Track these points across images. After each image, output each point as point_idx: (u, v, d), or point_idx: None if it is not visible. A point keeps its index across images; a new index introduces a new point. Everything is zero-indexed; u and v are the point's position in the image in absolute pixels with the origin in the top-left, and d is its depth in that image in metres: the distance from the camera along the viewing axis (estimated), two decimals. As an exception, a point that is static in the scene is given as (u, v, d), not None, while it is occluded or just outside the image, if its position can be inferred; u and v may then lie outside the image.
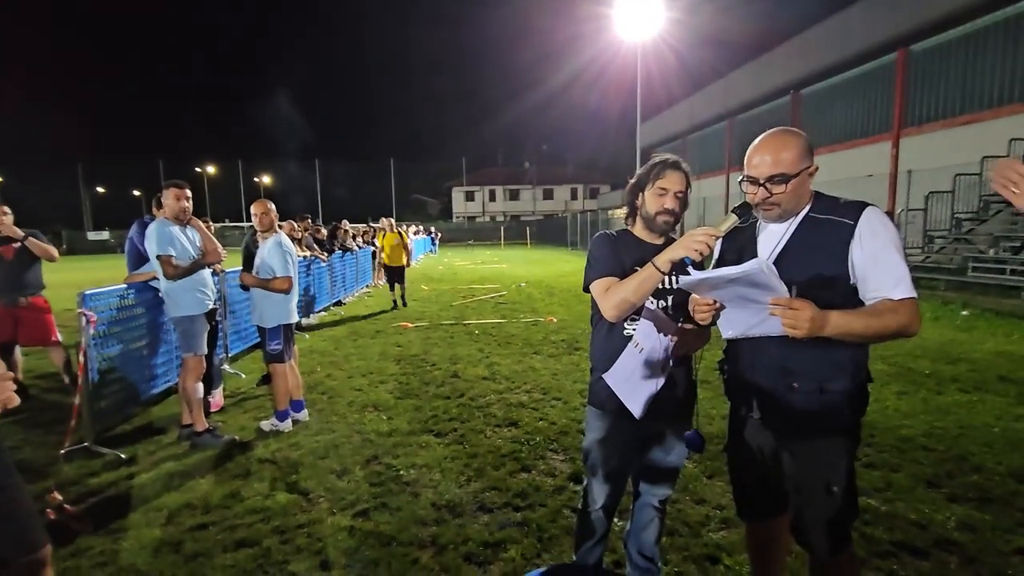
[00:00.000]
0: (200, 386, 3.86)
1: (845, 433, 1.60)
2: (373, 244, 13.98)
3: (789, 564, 2.21)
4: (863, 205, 1.55)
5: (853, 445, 1.63)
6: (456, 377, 5.41)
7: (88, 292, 3.76)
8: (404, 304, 10.04)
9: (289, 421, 4.06)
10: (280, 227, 4.30)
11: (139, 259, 4.44)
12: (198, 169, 52.82)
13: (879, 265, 1.48)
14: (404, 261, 10.30)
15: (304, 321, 8.40)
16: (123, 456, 3.58)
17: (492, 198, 58.60)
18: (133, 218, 4.87)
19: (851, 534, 1.68)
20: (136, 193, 52.86)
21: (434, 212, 61.60)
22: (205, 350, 3.91)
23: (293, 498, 3.03)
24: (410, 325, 8.34)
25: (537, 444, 3.69)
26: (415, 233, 25.81)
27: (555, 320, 8.43)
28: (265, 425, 4.05)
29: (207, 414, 4.17)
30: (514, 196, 58.81)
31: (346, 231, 11.98)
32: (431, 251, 31.10)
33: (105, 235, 43.89)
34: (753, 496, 1.85)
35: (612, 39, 22.67)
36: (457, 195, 58.48)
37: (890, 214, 12.26)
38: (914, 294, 1.48)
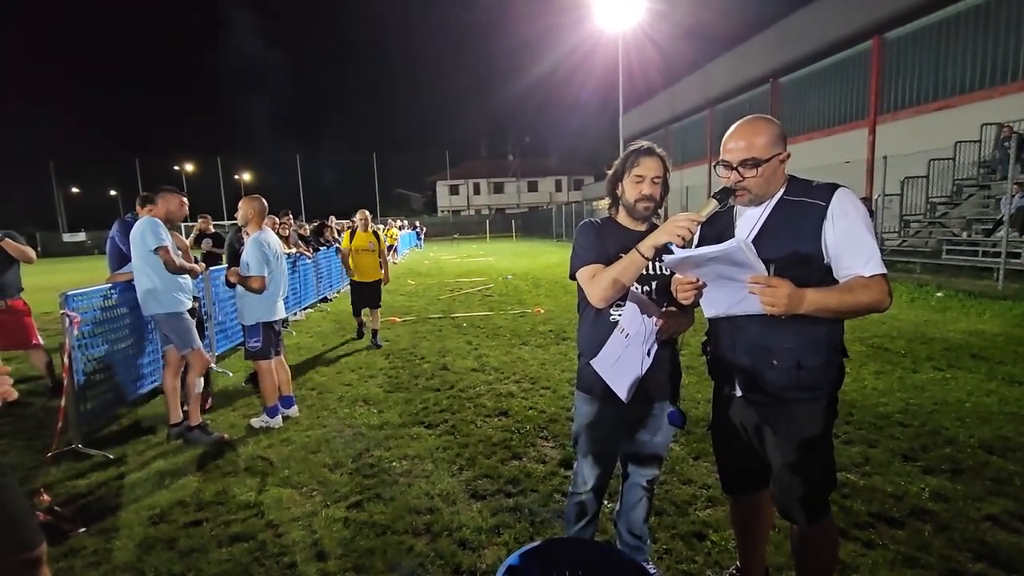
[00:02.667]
0: (201, 380, 3.87)
1: (823, 407, 1.67)
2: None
3: (772, 537, 2.29)
4: (834, 187, 1.61)
5: (831, 418, 1.70)
6: (445, 369, 5.44)
7: (71, 292, 3.72)
8: (376, 343, 6.58)
9: (279, 417, 4.07)
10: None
11: (122, 258, 4.40)
12: (176, 167, 51.81)
13: (851, 244, 1.54)
14: (380, 273, 6.73)
15: (291, 317, 8.36)
16: (111, 457, 3.57)
17: (476, 191, 58.39)
18: (111, 218, 4.80)
19: (829, 504, 1.76)
20: (113, 193, 51.70)
21: (418, 206, 61.24)
22: (200, 344, 3.91)
23: (286, 492, 3.05)
24: (398, 319, 8.34)
25: (527, 432, 3.74)
26: (400, 228, 25.64)
27: (542, 311, 8.49)
28: (255, 422, 4.05)
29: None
30: (498, 189, 58.66)
31: (330, 227, 11.88)
32: (417, 246, 30.98)
33: (82, 236, 42.84)
34: (737, 471, 1.92)
35: (593, 30, 22.68)
36: (441, 189, 58.19)
37: (868, 199, 12.51)
38: (884, 270, 1.54)
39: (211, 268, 5.75)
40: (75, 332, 3.69)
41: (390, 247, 18.01)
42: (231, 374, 5.52)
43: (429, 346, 6.48)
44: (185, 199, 3.96)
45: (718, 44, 23.68)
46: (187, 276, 3.93)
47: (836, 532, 1.87)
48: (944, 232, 11.46)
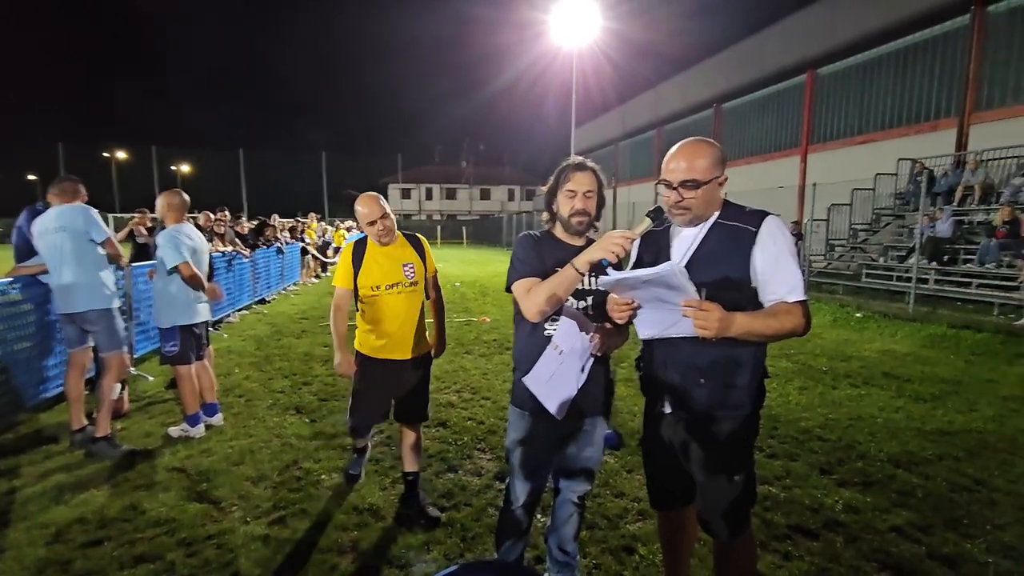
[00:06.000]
0: (117, 386, 3.58)
1: (745, 425, 1.72)
2: (302, 239, 13.38)
3: (696, 550, 2.35)
4: (764, 214, 1.68)
5: (752, 435, 1.76)
6: (385, 378, 5.29)
7: (-38, 286, 3.36)
8: (426, 510, 2.75)
9: (201, 426, 3.82)
10: (195, 218, 4.02)
11: (28, 250, 4.01)
12: (106, 154, 48.30)
13: (777, 270, 1.61)
14: (427, 339, 2.86)
15: (225, 319, 7.92)
16: (2, 468, 3.23)
17: (429, 196, 57.85)
18: (25, 205, 4.39)
19: (750, 518, 1.81)
20: (32, 178, 47.56)
21: (368, 209, 59.80)
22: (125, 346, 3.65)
23: (203, 508, 2.85)
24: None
25: (464, 444, 3.69)
26: (348, 229, 24.94)
27: (488, 320, 8.46)
28: (174, 431, 3.78)
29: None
30: (451, 195, 58.34)
31: (273, 226, 11.40)
32: (364, 248, 30.15)
33: (-11, 223, 39.09)
34: (664, 486, 1.95)
35: (549, 45, 23.04)
36: (393, 192, 57.15)
37: (799, 223, 13.28)
38: (805, 297, 1.61)
39: (133, 264, 5.36)
40: (-34, 330, 3.33)
41: (336, 249, 14.98)
42: (151, 378, 5.15)
43: (370, 353, 6.29)
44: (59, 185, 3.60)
45: (669, 66, 24.70)
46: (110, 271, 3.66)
47: (755, 545, 1.94)
48: (864, 257, 12.34)
